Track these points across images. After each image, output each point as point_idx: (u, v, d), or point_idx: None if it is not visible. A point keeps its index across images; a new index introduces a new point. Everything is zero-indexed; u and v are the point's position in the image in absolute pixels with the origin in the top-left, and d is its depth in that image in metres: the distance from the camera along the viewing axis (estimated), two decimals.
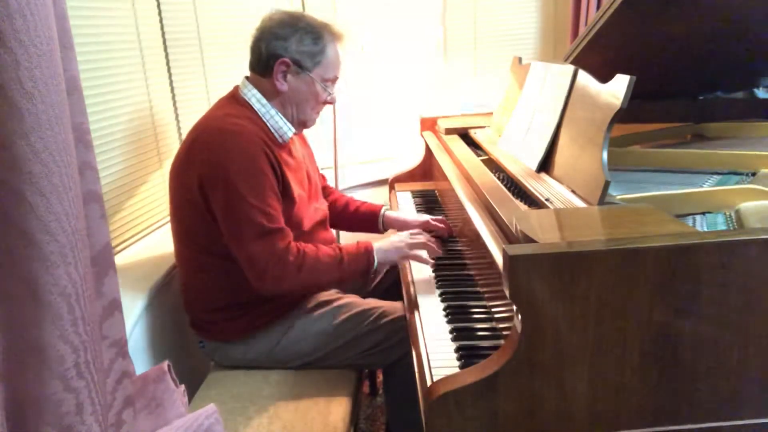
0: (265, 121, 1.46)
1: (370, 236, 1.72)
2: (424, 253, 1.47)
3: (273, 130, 1.47)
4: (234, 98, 1.48)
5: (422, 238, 1.50)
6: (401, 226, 1.74)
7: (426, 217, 1.71)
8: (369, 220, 1.80)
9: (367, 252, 1.45)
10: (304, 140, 1.69)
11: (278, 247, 1.36)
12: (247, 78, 1.50)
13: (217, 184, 1.35)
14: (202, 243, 1.45)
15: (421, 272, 1.48)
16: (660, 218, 0.94)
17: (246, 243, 1.35)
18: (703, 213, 1.18)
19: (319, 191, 1.70)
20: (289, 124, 1.49)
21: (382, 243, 1.49)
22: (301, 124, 1.54)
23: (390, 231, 1.79)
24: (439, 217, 1.71)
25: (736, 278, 0.82)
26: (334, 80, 1.51)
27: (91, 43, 1.53)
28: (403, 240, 1.49)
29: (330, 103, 1.54)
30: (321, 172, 1.82)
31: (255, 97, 1.46)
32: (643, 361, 0.85)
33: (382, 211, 1.79)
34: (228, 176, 1.33)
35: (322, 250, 1.42)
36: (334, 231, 1.83)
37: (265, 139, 1.40)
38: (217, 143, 1.36)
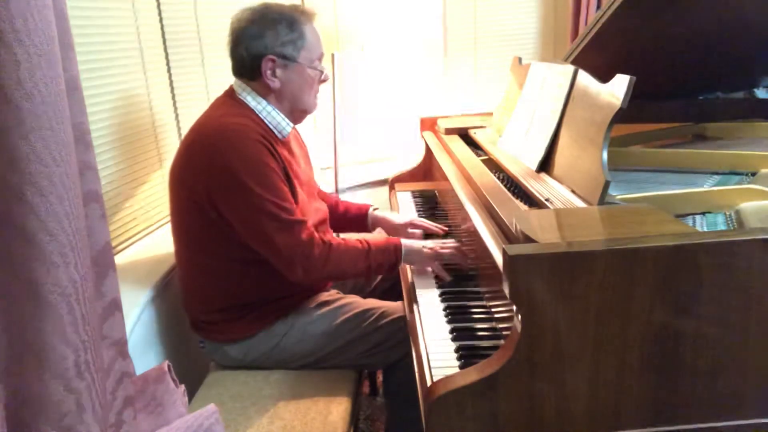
0: (263, 117, 1.45)
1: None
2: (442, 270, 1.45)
3: (271, 127, 1.46)
4: (230, 98, 1.48)
5: (449, 249, 1.46)
6: (387, 226, 1.79)
7: (410, 217, 1.75)
8: (358, 221, 1.83)
9: (396, 248, 1.46)
10: (300, 141, 1.69)
11: (302, 238, 1.36)
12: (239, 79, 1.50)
13: (228, 186, 1.35)
14: (203, 245, 1.45)
15: (421, 272, 1.48)
16: (660, 218, 0.94)
17: (270, 238, 1.35)
18: (703, 213, 1.18)
19: (316, 192, 1.70)
20: (286, 119, 1.49)
21: (411, 242, 1.49)
22: (301, 113, 1.53)
23: (378, 230, 1.84)
24: (423, 220, 1.73)
25: (736, 278, 0.82)
26: (320, 57, 1.51)
27: (91, 43, 1.53)
28: (431, 248, 1.47)
29: (324, 81, 1.53)
30: (315, 171, 1.82)
31: (250, 96, 1.46)
32: (643, 361, 0.85)
33: (370, 210, 1.83)
34: (237, 177, 1.33)
35: (349, 243, 1.44)
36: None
37: (265, 136, 1.40)
38: (219, 144, 1.36)
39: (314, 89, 1.52)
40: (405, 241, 1.48)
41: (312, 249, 1.37)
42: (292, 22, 1.43)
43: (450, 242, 1.50)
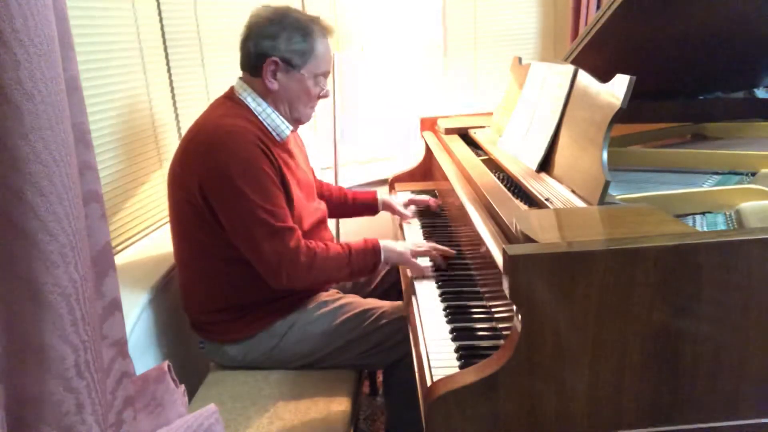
0: (262, 120, 1.45)
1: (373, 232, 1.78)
2: (426, 263, 1.47)
3: (270, 129, 1.46)
4: (230, 98, 1.48)
5: (425, 249, 1.49)
6: (393, 206, 1.91)
7: (409, 196, 1.97)
8: (367, 206, 1.94)
9: (375, 249, 1.47)
10: (298, 141, 1.69)
11: (289, 246, 1.36)
12: (241, 78, 1.50)
13: (221, 188, 1.35)
14: (201, 245, 1.45)
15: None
16: (660, 218, 0.94)
17: (257, 243, 1.35)
18: (703, 213, 1.18)
19: (315, 192, 1.70)
20: (286, 122, 1.49)
21: (389, 242, 1.50)
22: (295, 121, 1.53)
23: (382, 213, 1.98)
24: (417, 197, 1.95)
25: (736, 278, 0.82)
26: (325, 74, 1.51)
27: (91, 43, 1.53)
28: (408, 247, 1.49)
29: (323, 97, 1.54)
30: (315, 171, 1.84)
31: (250, 96, 1.46)
32: (643, 361, 0.85)
33: (378, 195, 1.94)
34: (230, 179, 1.33)
35: (331, 248, 1.44)
36: (332, 226, 1.86)
37: (262, 138, 1.39)
38: (215, 145, 1.35)
39: (311, 102, 1.52)
40: (384, 242, 1.49)
41: (298, 256, 1.37)
42: (307, 32, 1.43)
43: (425, 244, 1.52)
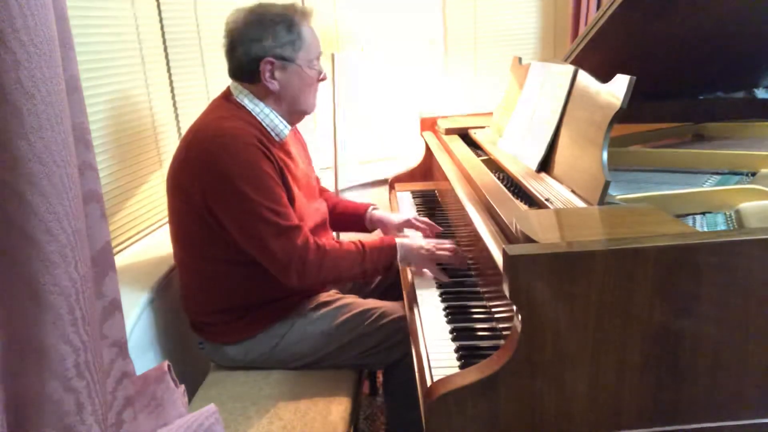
0: (260, 120, 1.45)
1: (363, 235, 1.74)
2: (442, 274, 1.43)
3: (269, 129, 1.46)
4: (227, 99, 1.47)
5: (446, 251, 1.45)
6: (384, 226, 1.78)
7: (408, 216, 1.73)
8: (355, 221, 1.83)
9: (391, 247, 1.46)
10: (299, 141, 1.69)
11: (297, 244, 1.36)
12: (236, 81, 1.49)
13: (224, 191, 1.34)
14: (200, 247, 1.44)
15: (420, 273, 1.48)
16: (660, 218, 0.94)
17: (265, 244, 1.35)
18: (703, 213, 1.18)
19: (317, 192, 1.69)
20: (284, 122, 1.48)
21: (406, 241, 1.48)
22: (300, 113, 1.52)
23: (377, 231, 1.83)
24: (424, 219, 1.71)
25: (736, 278, 0.82)
26: (318, 56, 1.50)
27: (91, 43, 1.53)
28: (428, 249, 1.45)
29: (322, 80, 1.53)
30: (317, 173, 1.82)
31: (247, 98, 1.45)
32: (643, 361, 0.85)
33: (369, 210, 1.82)
34: (233, 182, 1.33)
35: (343, 245, 1.43)
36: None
37: (261, 139, 1.39)
38: (214, 149, 1.35)
39: (313, 89, 1.51)
40: (400, 241, 1.47)
41: (307, 254, 1.37)
42: (290, 23, 1.42)
43: (447, 243, 1.49)
